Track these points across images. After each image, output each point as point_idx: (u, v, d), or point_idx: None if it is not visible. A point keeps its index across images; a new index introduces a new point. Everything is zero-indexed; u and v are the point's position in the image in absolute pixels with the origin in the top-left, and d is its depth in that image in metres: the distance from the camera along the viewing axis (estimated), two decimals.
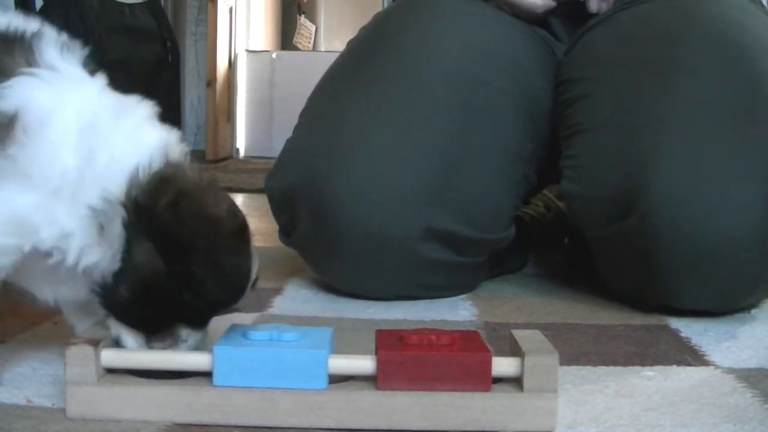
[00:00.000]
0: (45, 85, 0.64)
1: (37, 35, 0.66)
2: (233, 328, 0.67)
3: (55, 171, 0.62)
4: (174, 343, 0.65)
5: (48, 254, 0.63)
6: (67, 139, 0.62)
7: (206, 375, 0.63)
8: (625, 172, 0.98)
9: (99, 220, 0.62)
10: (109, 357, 0.63)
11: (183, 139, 0.69)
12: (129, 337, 0.65)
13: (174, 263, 0.61)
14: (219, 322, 0.93)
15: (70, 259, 0.63)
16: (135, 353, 0.64)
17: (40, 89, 0.63)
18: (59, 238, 0.62)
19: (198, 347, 0.66)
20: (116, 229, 0.62)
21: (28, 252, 0.63)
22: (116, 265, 0.62)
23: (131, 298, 0.63)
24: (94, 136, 0.63)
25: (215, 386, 0.63)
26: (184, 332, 0.65)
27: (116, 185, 0.62)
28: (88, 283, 0.64)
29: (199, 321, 0.66)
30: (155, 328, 0.64)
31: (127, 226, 0.62)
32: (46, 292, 0.68)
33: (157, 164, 0.63)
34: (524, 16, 1.20)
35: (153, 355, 0.64)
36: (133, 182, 0.62)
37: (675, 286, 0.97)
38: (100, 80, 0.68)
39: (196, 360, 0.63)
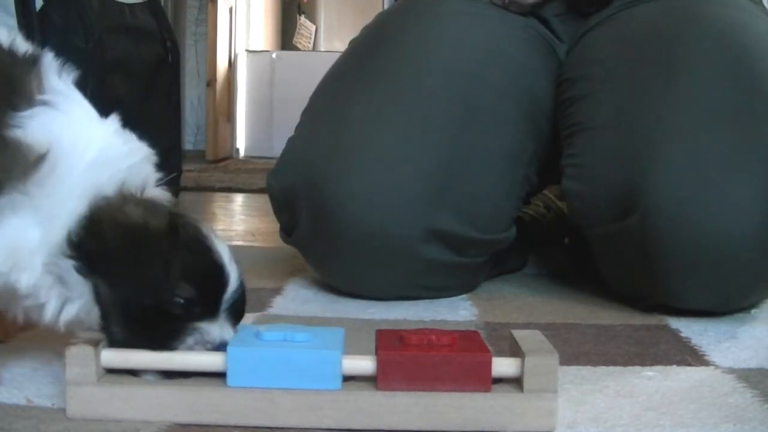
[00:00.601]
0: (65, 120, 0.65)
1: (39, 58, 0.67)
2: (245, 329, 0.67)
3: (63, 217, 0.63)
4: (201, 338, 0.64)
5: (25, 296, 0.64)
6: (79, 187, 0.63)
7: (206, 375, 0.63)
8: (626, 171, 0.98)
9: (56, 273, 0.63)
10: (110, 357, 0.63)
11: (152, 159, 0.69)
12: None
13: (121, 284, 0.62)
14: None
15: (48, 313, 0.64)
16: (137, 353, 0.64)
17: (62, 126, 0.64)
18: (34, 286, 0.63)
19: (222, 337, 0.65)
20: (75, 278, 0.63)
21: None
22: (95, 310, 0.63)
23: (127, 332, 0.63)
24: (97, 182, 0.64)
25: (215, 386, 0.63)
26: (203, 327, 0.64)
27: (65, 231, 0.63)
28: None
29: (206, 315, 0.65)
30: (170, 340, 0.64)
31: (80, 270, 0.62)
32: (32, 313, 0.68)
33: (96, 201, 0.64)
34: (515, 9, 1.19)
35: (164, 356, 0.64)
36: (72, 227, 0.63)
37: (675, 286, 0.97)
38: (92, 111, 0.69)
39: (210, 361, 0.63)
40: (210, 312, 0.64)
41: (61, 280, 0.63)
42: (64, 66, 0.69)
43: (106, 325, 0.63)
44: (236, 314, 0.66)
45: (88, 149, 0.65)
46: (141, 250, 0.62)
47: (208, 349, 0.64)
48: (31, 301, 0.64)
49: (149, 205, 0.65)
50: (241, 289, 0.67)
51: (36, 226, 0.63)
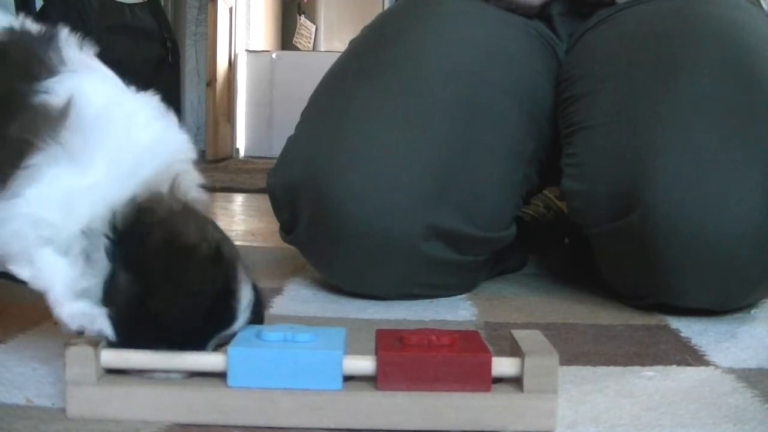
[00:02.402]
0: (94, 82, 0.65)
1: (56, 34, 0.67)
2: (246, 329, 0.66)
3: (107, 183, 0.62)
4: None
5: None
6: (114, 134, 0.63)
7: (206, 375, 0.63)
8: (626, 169, 0.98)
9: (86, 242, 0.62)
10: (109, 357, 0.63)
11: (191, 139, 0.68)
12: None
13: (145, 292, 0.61)
14: None
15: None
16: (137, 353, 0.64)
17: (92, 85, 0.64)
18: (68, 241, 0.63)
19: None
20: (101, 256, 0.62)
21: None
22: (99, 293, 0.62)
23: (118, 323, 0.62)
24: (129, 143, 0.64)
25: (215, 386, 0.63)
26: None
27: (109, 206, 0.62)
28: None
29: (194, 346, 0.65)
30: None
31: (110, 254, 0.62)
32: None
33: (148, 187, 0.63)
34: (522, 11, 1.20)
35: (165, 357, 0.64)
36: (118, 209, 0.62)
37: (675, 284, 0.97)
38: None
39: (211, 361, 0.63)
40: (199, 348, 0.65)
41: (86, 253, 0.62)
42: (84, 40, 0.69)
43: (106, 310, 0.62)
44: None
45: (129, 114, 0.64)
46: (185, 274, 0.61)
47: None
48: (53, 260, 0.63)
49: (201, 221, 0.65)
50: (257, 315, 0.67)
51: (81, 176, 0.62)
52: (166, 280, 0.61)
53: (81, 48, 0.68)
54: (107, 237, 0.62)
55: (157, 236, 0.62)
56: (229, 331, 0.64)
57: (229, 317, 0.64)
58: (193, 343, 0.63)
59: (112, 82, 0.68)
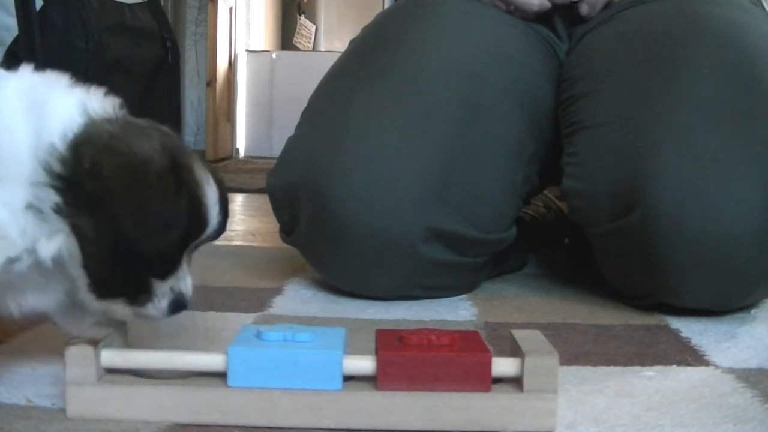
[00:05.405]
0: None
1: None
2: (246, 329, 0.66)
3: (9, 156, 0.58)
4: (150, 301, 0.62)
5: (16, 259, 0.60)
6: (16, 119, 0.59)
7: (206, 375, 0.63)
8: (627, 169, 0.99)
9: (36, 207, 0.59)
10: (109, 357, 0.63)
11: (107, 97, 0.64)
12: (116, 307, 0.62)
13: (106, 224, 0.58)
14: (225, 323, 0.94)
15: (41, 255, 0.60)
16: (138, 354, 0.64)
17: None
18: (23, 237, 0.59)
19: (182, 293, 0.64)
20: (52, 212, 0.58)
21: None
22: (74, 243, 0.59)
23: (96, 270, 0.60)
24: (36, 112, 0.60)
25: (215, 386, 0.63)
26: (157, 288, 0.62)
27: (42, 162, 0.58)
28: (63, 278, 0.62)
29: (165, 270, 0.62)
30: (133, 292, 0.62)
31: (59, 207, 0.58)
32: (11, 303, 0.64)
33: (74, 127, 0.60)
34: (519, 14, 1.20)
35: (163, 356, 0.64)
36: (52, 156, 0.58)
37: (675, 284, 0.97)
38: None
39: (210, 361, 0.63)
40: (170, 270, 0.63)
41: (41, 214, 0.59)
42: None
43: (88, 266, 0.60)
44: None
45: (15, 81, 0.62)
46: (151, 202, 0.58)
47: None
48: (27, 259, 0.60)
49: (138, 129, 0.61)
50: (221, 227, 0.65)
51: (21, 127, 0.59)
52: (134, 215, 0.58)
53: None
54: (52, 186, 0.58)
55: (106, 167, 0.58)
56: (204, 236, 0.63)
57: (203, 224, 0.62)
58: (173, 261, 0.62)
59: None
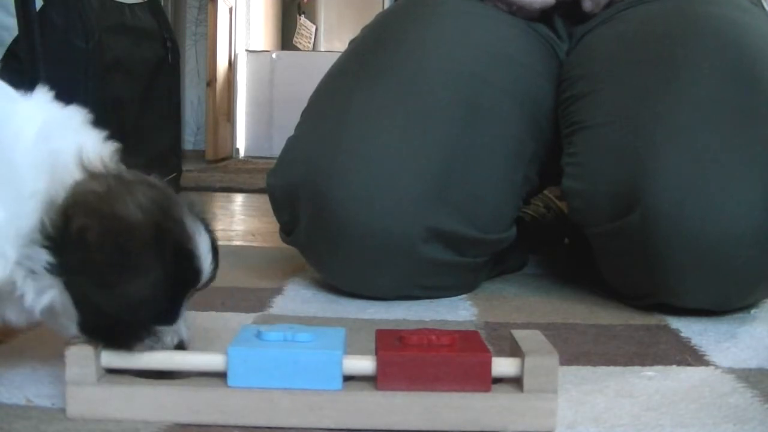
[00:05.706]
0: None
1: None
2: (246, 329, 0.66)
3: (28, 196, 0.60)
4: (157, 340, 0.63)
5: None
6: (33, 158, 0.60)
7: (206, 375, 0.63)
8: (626, 169, 0.99)
9: (26, 265, 0.60)
10: (109, 357, 0.63)
11: (106, 139, 0.65)
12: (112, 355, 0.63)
13: (107, 292, 0.59)
14: (225, 323, 0.94)
15: (27, 303, 0.62)
16: (138, 354, 0.64)
17: None
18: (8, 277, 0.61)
19: (183, 337, 0.65)
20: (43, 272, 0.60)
21: None
22: (67, 298, 0.61)
23: (89, 322, 0.61)
24: (49, 169, 0.61)
25: (215, 386, 0.63)
26: (160, 329, 0.64)
27: (37, 220, 0.60)
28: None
29: (168, 318, 0.64)
30: (130, 339, 0.63)
31: (51, 269, 0.60)
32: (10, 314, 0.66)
33: (67, 186, 0.60)
34: (522, 14, 1.20)
35: (163, 356, 0.64)
36: (47, 216, 0.60)
37: (675, 284, 0.97)
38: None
39: (210, 361, 0.63)
40: (172, 318, 0.64)
41: (32, 272, 0.60)
42: None
43: (81, 320, 0.61)
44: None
45: (28, 120, 0.62)
46: (139, 264, 0.59)
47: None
48: (6, 296, 0.62)
49: (124, 187, 0.61)
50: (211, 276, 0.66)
51: (31, 186, 0.59)
52: (123, 277, 0.59)
53: None
54: (44, 246, 0.59)
55: (90, 233, 0.59)
56: (198, 285, 0.64)
57: (197, 275, 0.64)
58: (170, 312, 0.63)
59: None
